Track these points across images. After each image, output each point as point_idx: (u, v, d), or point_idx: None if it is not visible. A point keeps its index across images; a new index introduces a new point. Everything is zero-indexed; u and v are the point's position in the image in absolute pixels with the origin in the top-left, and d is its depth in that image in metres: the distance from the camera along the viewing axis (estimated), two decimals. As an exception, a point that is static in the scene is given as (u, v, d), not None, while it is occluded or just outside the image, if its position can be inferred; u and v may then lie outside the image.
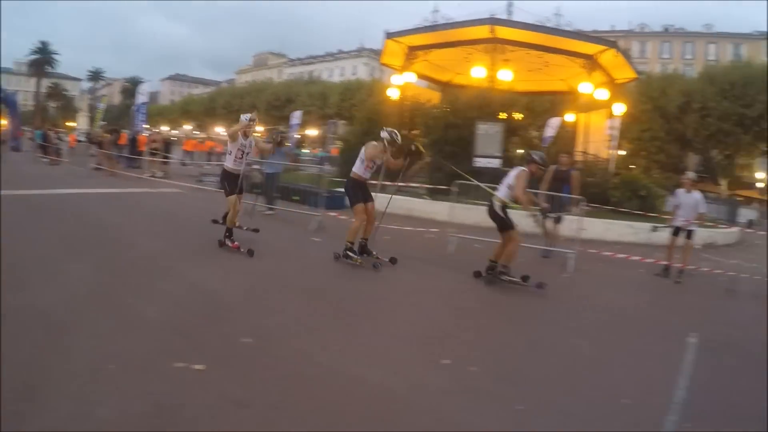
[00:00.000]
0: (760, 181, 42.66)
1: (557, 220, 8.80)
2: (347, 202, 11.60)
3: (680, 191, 8.71)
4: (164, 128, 66.24)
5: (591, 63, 16.24)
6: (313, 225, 9.05)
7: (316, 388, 3.01)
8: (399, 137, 6.62)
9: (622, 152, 30.37)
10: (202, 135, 38.48)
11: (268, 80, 71.01)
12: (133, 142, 19.25)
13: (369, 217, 6.61)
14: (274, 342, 3.70)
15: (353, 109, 37.98)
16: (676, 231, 8.52)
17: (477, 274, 6.59)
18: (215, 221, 7.26)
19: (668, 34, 58.56)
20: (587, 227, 11.21)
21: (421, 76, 20.59)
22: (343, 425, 2.63)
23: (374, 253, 6.75)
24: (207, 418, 2.52)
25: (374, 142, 6.64)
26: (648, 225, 10.41)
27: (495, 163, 12.34)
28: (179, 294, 4.59)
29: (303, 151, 36.05)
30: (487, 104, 13.75)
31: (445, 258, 7.89)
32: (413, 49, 17.87)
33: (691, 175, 9.09)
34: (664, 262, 8.62)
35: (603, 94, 16.96)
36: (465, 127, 13.16)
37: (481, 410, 3.04)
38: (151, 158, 17.41)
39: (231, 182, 6.74)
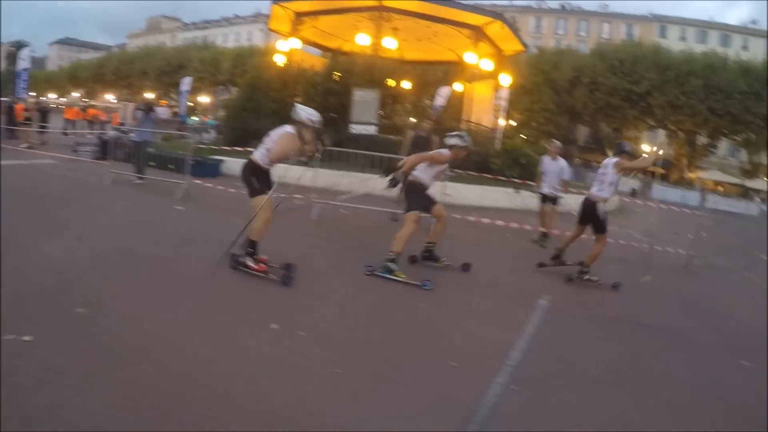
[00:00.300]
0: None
1: None
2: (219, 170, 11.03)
3: (546, 159, 8.78)
4: (52, 96, 60.52)
5: (477, 34, 16.43)
6: (178, 193, 8.57)
7: (136, 355, 3.01)
8: (470, 139, 5.68)
9: (513, 123, 31.75)
10: (84, 102, 35.32)
11: (160, 45, 66.88)
12: (10, 111, 17.30)
13: (441, 218, 5.69)
14: (107, 311, 3.61)
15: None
16: (544, 198, 8.63)
17: (540, 265, 6.61)
18: (236, 262, 4.80)
19: (565, 11, 61.13)
20: (456, 193, 11.38)
21: (311, 44, 20.04)
22: (156, 391, 2.64)
23: (443, 259, 5.93)
24: (27, 388, 2.52)
25: (444, 151, 5.57)
26: (527, 193, 10.54)
27: (370, 129, 12.22)
28: (24, 266, 4.34)
29: (193, 118, 34.44)
30: (368, 71, 13.53)
31: (307, 224, 7.68)
32: (300, 15, 17.28)
33: (556, 143, 9.19)
34: (542, 229, 8.73)
35: (488, 64, 17.27)
36: (345, 94, 12.90)
37: (297, 374, 3.02)
38: (26, 128, 15.94)
39: (261, 178, 4.80)
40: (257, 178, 4.72)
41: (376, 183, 7.04)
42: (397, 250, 5.16)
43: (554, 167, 8.61)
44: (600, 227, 5.92)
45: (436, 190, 8.42)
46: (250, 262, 4.68)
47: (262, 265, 4.67)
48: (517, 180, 11.99)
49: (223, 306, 4.03)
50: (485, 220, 9.29)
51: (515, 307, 4.97)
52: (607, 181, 5.90)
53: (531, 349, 3.79)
